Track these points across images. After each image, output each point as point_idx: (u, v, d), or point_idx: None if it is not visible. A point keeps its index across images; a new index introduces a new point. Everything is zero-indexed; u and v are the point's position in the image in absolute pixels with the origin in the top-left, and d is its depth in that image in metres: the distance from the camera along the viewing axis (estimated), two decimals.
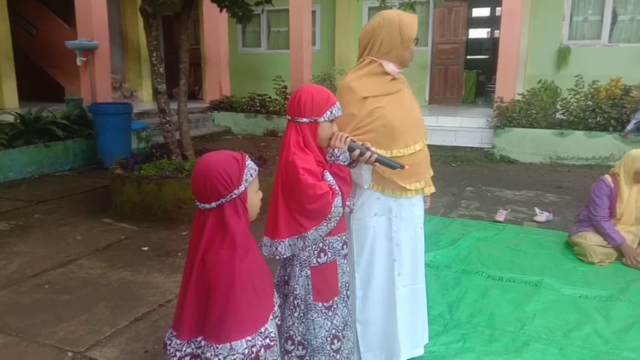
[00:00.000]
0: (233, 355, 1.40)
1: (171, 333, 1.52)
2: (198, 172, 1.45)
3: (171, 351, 1.49)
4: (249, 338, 1.43)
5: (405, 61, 2.27)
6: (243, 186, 1.46)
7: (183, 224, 4.51)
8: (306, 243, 1.91)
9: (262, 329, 1.48)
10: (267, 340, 1.48)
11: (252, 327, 1.46)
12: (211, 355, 1.40)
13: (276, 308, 1.62)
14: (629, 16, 9.18)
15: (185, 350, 1.47)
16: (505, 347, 2.73)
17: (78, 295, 3.29)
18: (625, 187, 3.83)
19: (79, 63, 8.44)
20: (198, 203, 1.47)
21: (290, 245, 1.92)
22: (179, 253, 3.96)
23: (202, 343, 1.45)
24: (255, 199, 1.53)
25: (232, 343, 1.41)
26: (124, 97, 11.17)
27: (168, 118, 5.11)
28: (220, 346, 1.40)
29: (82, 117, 7.32)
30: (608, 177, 3.94)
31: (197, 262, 1.44)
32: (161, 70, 5.09)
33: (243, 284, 1.44)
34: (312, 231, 1.89)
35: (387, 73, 2.24)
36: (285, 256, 1.93)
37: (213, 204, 1.43)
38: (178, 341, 1.48)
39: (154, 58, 5.05)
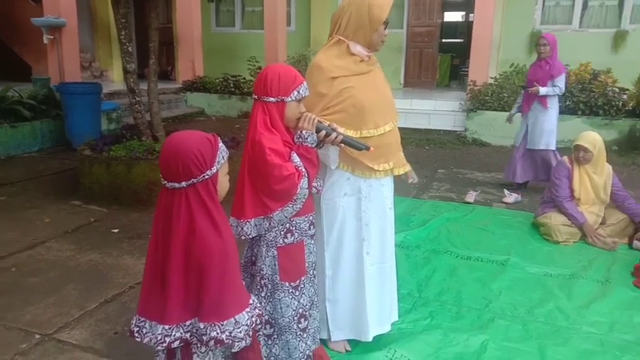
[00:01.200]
0: (239, 327, 1.44)
1: (140, 320, 1.49)
2: (170, 149, 1.43)
3: (159, 337, 1.44)
4: (247, 309, 1.49)
5: (373, 44, 2.23)
6: (215, 168, 1.45)
7: (153, 206, 4.36)
8: (271, 224, 1.91)
9: (251, 300, 1.53)
10: (257, 310, 1.54)
11: (246, 299, 1.51)
12: (217, 333, 1.42)
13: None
14: (599, 2, 9.33)
15: (174, 335, 1.45)
16: (471, 324, 2.81)
17: (46, 278, 3.24)
18: (576, 167, 3.96)
19: (45, 41, 8.17)
20: (165, 182, 1.45)
21: (256, 225, 1.92)
22: (149, 235, 3.92)
23: (199, 325, 1.43)
24: (224, 182, 1.53)
25: (236, 316, 1.45)
26: (93, 76, 10.89)
27: (138, 99, 5.01)
28: (225, 322, 1.43)
29: (50, 97, 7.12)
30: (566, 159, 4.07)
31: (177, 245, 1.42)
32: (130, 49, 4.98)
33: (233, 260, 1.47)
34: (277, 212, 1.90)
35: (364, 56, 2.23)
36: (250, 236, 1.94)
37: (184, 183, 1.42)
38: (166, 326, 1.44)
39: (122, 37, 4.93)
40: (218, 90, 10.12)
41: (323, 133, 1.99)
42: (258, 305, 1.57)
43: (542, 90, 4.93)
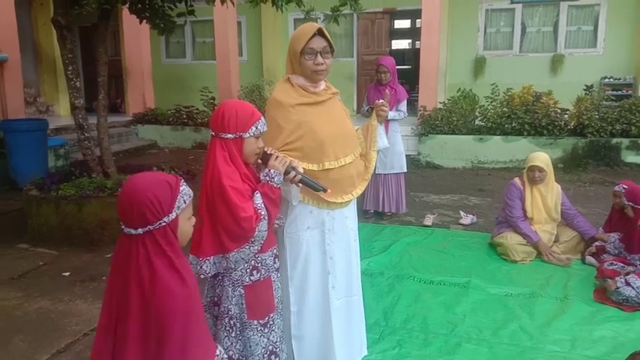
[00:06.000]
0: None
1: None
2: (126, 193, 1.36)
3: None
4: None
5: (307, 74, 2.22)
6: (174, 213, 1.37)
7: (106, 246, 4.27)
8: (228, 264, 1.86)
9: (218, 352, 1.45)
10: None
11: (210, 355, 1.42)
12: None
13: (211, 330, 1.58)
14: (536, 28, 9.89)
15: None
16: (439, 350, 2.80)
17: None
18: (527, 188, 4.09)
19: None
20: (123, 226, 1.37)
21: (215, 263, 1.87)
22: (103, 277, 3.75)
23: None
24: (186, 227, 1.44)
25: None
26: (39, 112, 10.49)
27: (86, 134, 4.84)
28: None
29: None
30: (517, 180, 4.20)
31: (134, 294, 1.32)
32: (77, 84, 4.84)
33: (197, 311, 1.38)
34: (233, 253, 1.85)
35: (309, 87, 2.25)
36: (210, 275, 1.88)
37: (140, 230, 1.34)
38: None
39: (69, 72, 4.78)
40: (170, 122, 9.96)
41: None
42: (225, 356, 1.49)
43: (391, 114, 4.90)
